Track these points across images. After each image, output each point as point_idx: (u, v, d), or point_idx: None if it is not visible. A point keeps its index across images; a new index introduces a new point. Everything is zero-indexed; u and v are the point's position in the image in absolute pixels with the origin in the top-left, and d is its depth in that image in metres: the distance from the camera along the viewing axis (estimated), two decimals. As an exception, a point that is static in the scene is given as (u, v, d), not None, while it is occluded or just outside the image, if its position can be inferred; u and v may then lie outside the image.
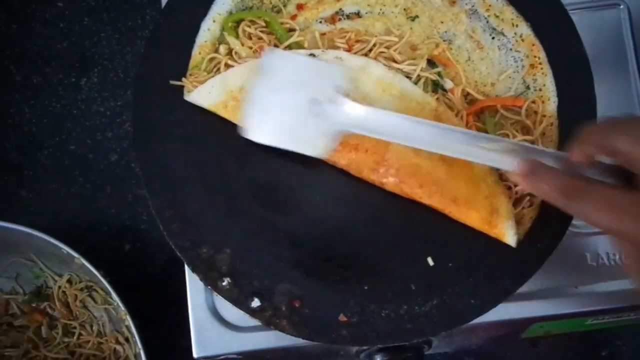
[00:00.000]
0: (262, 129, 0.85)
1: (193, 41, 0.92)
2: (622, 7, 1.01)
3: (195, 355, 0.95)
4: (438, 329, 0.84)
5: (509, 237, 0.86)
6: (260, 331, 0.93)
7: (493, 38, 0.94)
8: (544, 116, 0.90)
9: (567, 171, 0.75)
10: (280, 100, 0.85)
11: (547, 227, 0.86)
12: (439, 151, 0.81)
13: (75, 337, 1.23)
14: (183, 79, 0.90)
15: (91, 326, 1.23)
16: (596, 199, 0.70)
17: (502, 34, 0.93)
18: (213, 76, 0.89)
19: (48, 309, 1.24)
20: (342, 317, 0.85)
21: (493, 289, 0.85)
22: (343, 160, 0.88)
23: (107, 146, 1.30)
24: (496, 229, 0.86)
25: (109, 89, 1.32)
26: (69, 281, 1.22)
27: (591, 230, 0.95)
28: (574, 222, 0.90)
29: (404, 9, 0.94)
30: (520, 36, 0.93)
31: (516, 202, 0.87)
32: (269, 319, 0.84)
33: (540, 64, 0.92)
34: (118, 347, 1.21)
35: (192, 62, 0.91)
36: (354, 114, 0.83)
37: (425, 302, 0.85)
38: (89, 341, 1.23)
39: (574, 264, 0.95)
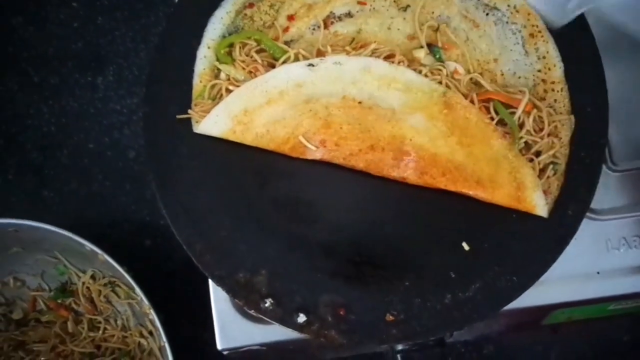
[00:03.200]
0: None
1: (192, 71, 0.82)
2: None
3: (219, 347, 0.89)
4: (485, 312, 0.77)
5: (540, 208, 0.78)
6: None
7: (487, 14, 0.84)
8: (553, 82, 0.81)
9: None
10: None
11: (575, 192, 0.80)
12: None
13: (100, 332, 1.16)
14: (189, 110, 0.81)
15: (115, 320, 1.16)
16: None
17: (496, 8, 0.83)
18: (217, 103, 0.80)
19: (73, 305, 1.17)
20: (388, 317, 0.77)
21: (532, 262, 0.78)
22: (361, 163, 0.79)
23: (125, 143, 1.23)
24: (525, 203, 0.78)
25: (125, 87, 1.24)
26: (93, 277, 1.15)
27: (612, 216, 0.88)
28: (594, 208, 0.86)
29: (394, 1, 0.84)
30: (515, 7, 0.83)
31: (541, 172, 0.79)
32: (317, 332, 0.76)
33: (539, 32, 0.82)
34: (142, 341, 1.14)
35: (195, 91, 0.82)
36: None
37: (467, 287, 0.77)
38: (113, 335, 1.16)
39: (595, 250, 0.89)
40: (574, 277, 0.87)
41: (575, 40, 0.82)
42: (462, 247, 0.78)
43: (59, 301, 1.16)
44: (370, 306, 0.77)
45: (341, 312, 0.76)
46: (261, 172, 0.80)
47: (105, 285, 1.13)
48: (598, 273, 0.88)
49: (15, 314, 1.17)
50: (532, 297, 0.82)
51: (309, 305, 0.77)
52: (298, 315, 0.76)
